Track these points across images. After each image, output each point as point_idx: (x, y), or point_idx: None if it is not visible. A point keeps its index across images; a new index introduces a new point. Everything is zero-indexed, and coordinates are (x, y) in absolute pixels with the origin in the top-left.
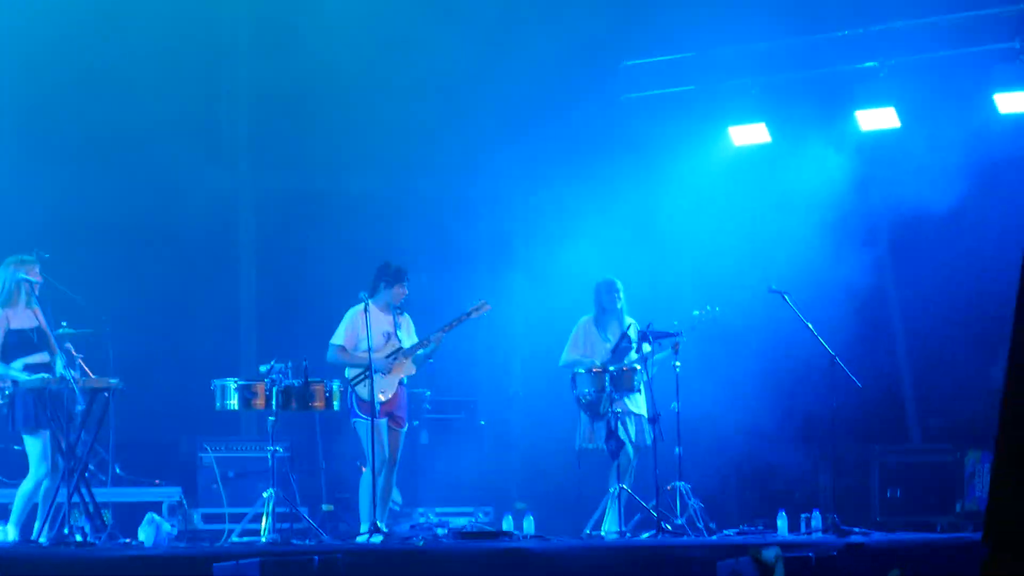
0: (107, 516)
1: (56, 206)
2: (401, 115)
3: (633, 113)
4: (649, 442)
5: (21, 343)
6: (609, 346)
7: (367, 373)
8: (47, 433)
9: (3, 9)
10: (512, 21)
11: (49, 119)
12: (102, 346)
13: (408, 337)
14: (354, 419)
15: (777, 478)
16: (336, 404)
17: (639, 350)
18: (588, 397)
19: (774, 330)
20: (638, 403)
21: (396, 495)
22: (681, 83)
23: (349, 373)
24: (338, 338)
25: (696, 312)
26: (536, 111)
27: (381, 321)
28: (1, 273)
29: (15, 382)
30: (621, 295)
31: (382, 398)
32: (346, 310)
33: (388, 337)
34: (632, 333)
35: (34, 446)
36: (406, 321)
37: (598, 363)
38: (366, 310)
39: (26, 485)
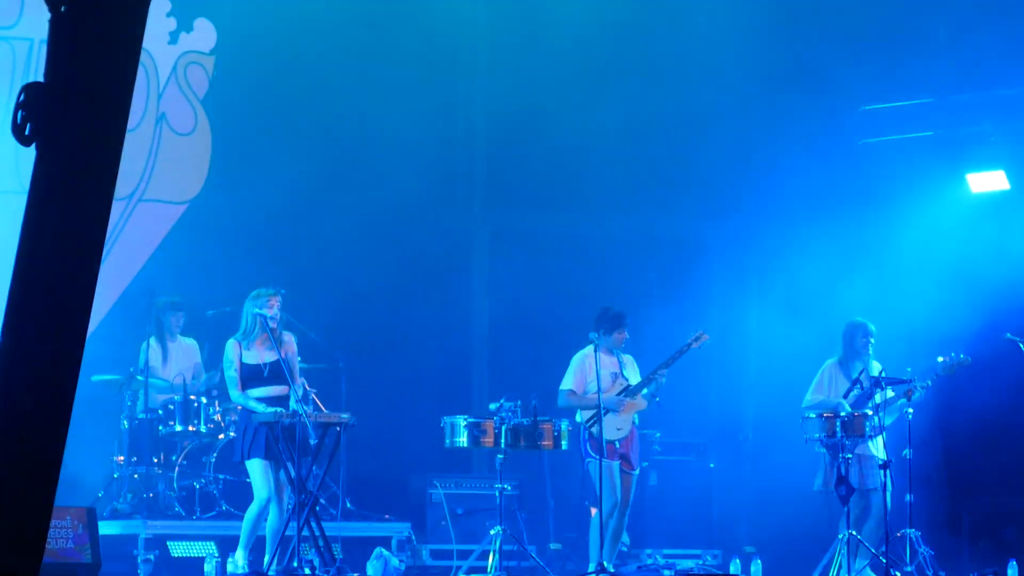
0: (336, 550)
1: (293, 241)
2: (634, 155)
3: (870, 157)
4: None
5: (252, 378)
6: (857, 389)
7: (599, 414)
8: (267, 462)
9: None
10: (748, 61)
11: (283, 153)
12: (336, 381)
13: (634, 376)
14: (587, 459)
15: (1010, 527)
16: (564, 443)
17: (870, 396)
18: (822, 442)
19: (1009, 378)
20: (879, 447)
21: (624, 536)
22: (919, 129)
23: (581, 416)
24: (567, 383)
25: (941, 359)
26: (774, 152)
27: (606, 363)
28: (244, 307)
29: (247, 412)
30: (870, 338)
31: (619, 436)
32: (576, 351)
33: (615, 377)
34: (864, 379)
35: (253, 470)
36: (630, 361)
37: (847, 407)
38: (595, 351)
39: (251, 511)
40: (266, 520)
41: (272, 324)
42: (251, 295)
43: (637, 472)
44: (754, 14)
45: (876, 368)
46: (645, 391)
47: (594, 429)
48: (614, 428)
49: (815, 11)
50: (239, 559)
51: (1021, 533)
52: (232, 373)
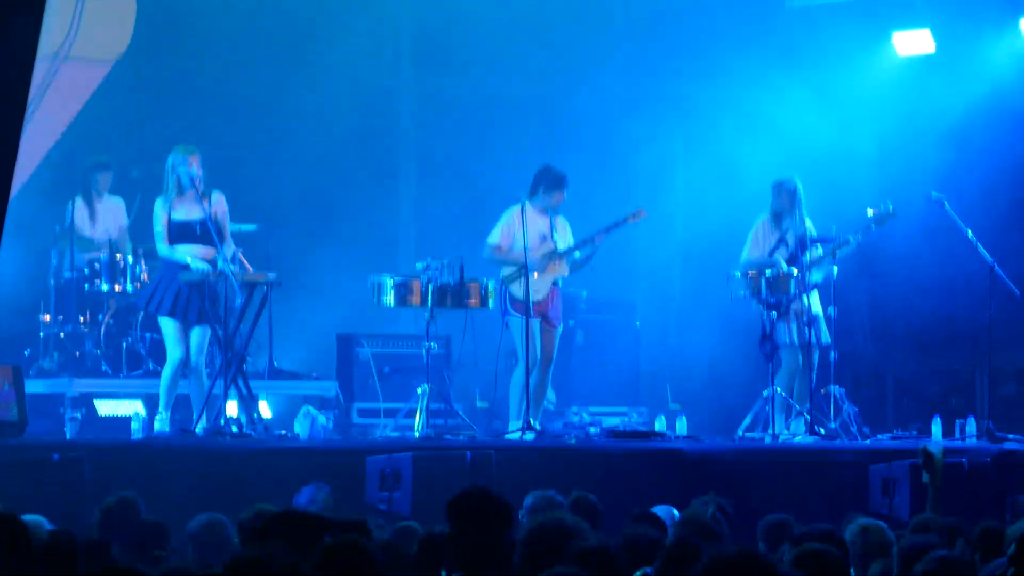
0: (264, 409)
1: (219, 101)
2: (563, 19)
3: (798, 20)
4: (826, 341)
5: (182, 235)
6: (783, 248)
7: (521, 272)
8: (178, 319)
9: None
10: None
11: (208, 12)
12: (262, 241)
13: (563, 239)
14: (507, 317)
15: (934, 385)
16: (491, 302)
17: (798, 255)
18: (751, 298)
19: (935, 237)
20: (814, 304)
21: (551, 394)
22: None
23: (503, 272)
24: (493, 237)
25: (870, 211)
26: (701, 17)
27: (537, 222)
28: (167, 162)
29: (169, 266)
30: (798, 194)
31: (536, 297)
32: (504, 209)
33: (544, 239)
34: (789, 238)
35: (167, 330)
36: (562, 223)
37: (784, 265)
38: (523, 211)
39: (165, 372)
40: (185, 379)
41: (196, 183)
42: (172, 152)
43: (559, 329)
44: None
45: (807, 225)
46: (578, 254)
47: (513, 287)
48: (532, 290)
49: None
50: (164, 419)
51: (944, 390)
52: (160, 228)
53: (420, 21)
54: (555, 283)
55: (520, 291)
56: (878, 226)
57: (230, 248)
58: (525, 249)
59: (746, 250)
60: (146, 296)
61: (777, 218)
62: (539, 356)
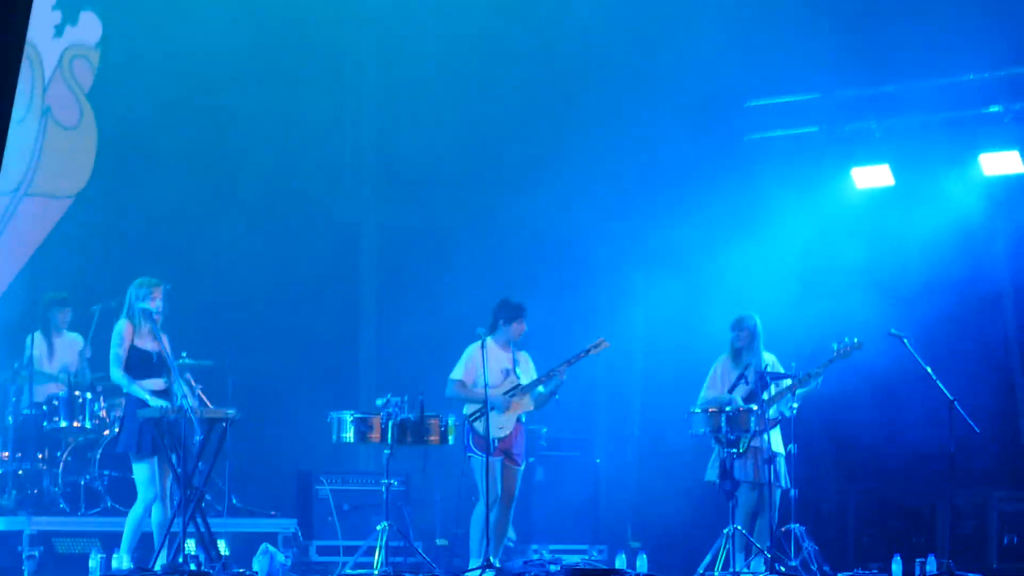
0: (222, 546)
1: (179, 236)
2: (521, 151)
3: (756, 153)
4: (785, 482)
5: (142, 363)
6: (743, 385)
7: (484, 409)
8: (154, 459)
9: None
10: (630, 56)
11: (169, 148)
12: (221, 377)
13: (526, 374)
14: (469, 455)
15: (895, 522)
16: (451, 438)
17: (758, 392)
18: (710, 436)
19: (895, 372)
20: (775, 441)
21: (511, 532)
22: (805, 124)
23: (467, 409)
24: (457, 374)
25: (835, 345)
26: (657, 149)
27: (500, 358)
28: (128, 293)
29: (133, 403)
30: (756, 331)
31: (500, 434)
32: (466, 345)
33: (507, 374)
34: (749, 375)
35: (141, 471)
36: (525, 358)
37: (740, 402)
38: (483, 346)
39: (135, 511)
40: (150, 518)
41: (156, 316)
42: (135, 283)
43: (522, 467)
44: (636, 8)
45: (768, 360)
46: (542, 388)
47: (477, 424)
48: (496, 427)
49: (698, 6)
50: (123, 558)
51: (905, 527)
52: (119, 351)
53: (381, 150)
54: (519, 420)
55: (483, 428)
56: (841, 359)
57: (183, 383)
58: (485, 385)
59: (704, 390)
60: (124, 442)
61: (737, 355)
62: (500, 493)
